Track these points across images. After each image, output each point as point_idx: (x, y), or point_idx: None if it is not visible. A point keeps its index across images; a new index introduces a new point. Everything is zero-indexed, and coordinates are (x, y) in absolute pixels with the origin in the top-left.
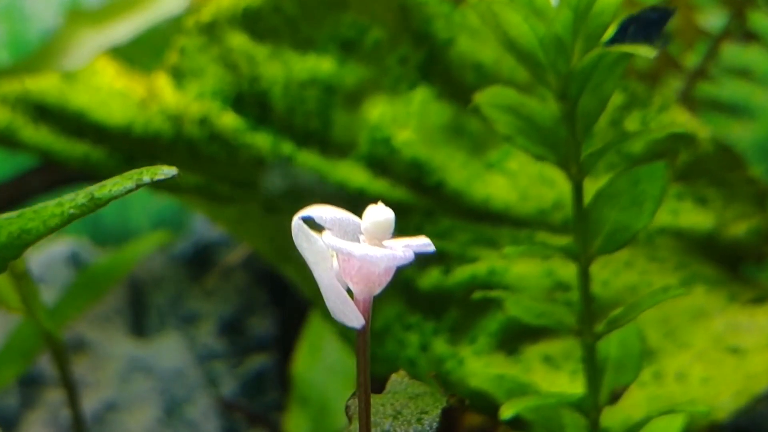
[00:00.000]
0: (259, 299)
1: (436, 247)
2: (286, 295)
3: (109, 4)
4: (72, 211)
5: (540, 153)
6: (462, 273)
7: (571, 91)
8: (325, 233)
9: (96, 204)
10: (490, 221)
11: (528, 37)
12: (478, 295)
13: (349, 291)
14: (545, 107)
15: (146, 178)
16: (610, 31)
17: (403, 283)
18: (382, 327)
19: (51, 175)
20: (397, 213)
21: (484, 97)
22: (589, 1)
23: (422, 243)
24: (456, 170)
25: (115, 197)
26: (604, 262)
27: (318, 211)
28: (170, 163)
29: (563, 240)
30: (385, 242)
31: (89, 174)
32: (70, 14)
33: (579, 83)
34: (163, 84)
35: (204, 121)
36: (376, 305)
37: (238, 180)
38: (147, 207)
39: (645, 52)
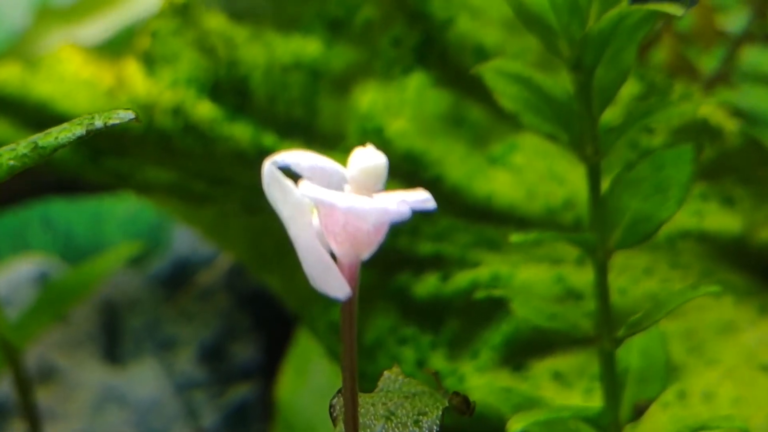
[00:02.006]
0: (242, 323)
1: (433, 251)
2: (272, 319)
3: (80, 3)
4: (12, 162)
5: (551, 131)
6: (462, 279)
7: (587, 60)
8: (303, 182)
9: (40, 154)
10: (493, 221)
11: None
12: (481, 294)
13: (333, 255)
14: (557, 80)
15: (98, 123)
16: None
17: (396, 292)
18: (373, 341)
19: (16, 186)
20: None
21: (489, 66)
22: None
23: (420, 198)
24: (455, 164)
25: (62, 145)
26: (621, 269)
27: (294, 156)
28: (141, 159)
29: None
30: (376, 195)
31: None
32: (39, 14)
33: (595, 50)
34: (133, 71)
35: (178, 111)
36: (366, 317)
37: (216, 176)
38: (122, 224)
39: (672, 10)
